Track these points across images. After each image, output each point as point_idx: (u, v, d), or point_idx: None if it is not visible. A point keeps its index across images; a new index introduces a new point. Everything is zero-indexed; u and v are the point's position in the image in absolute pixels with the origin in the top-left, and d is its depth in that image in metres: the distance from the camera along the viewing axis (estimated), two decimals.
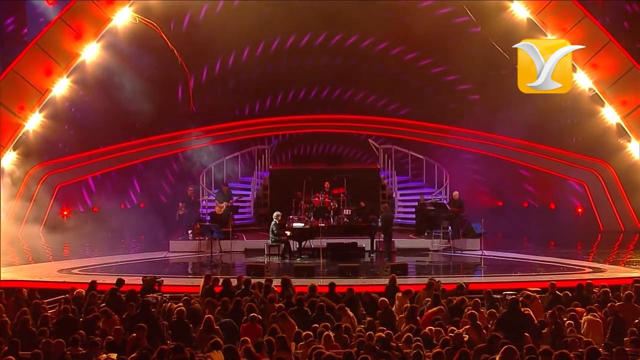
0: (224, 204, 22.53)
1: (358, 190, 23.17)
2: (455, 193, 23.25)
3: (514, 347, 9.80)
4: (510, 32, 23.45)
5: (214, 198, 23.34)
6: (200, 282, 15.45)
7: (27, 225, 23.54)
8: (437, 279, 15.21)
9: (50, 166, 24.63)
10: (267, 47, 26.64)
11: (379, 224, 21.27)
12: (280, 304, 13.23)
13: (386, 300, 13.74)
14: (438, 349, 10.40)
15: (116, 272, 18.93)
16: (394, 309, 13.75)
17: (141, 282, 15.60)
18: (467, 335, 11.53)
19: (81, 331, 11.50)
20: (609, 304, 13.02)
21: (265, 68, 26.68)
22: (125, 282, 15.10)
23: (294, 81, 26.92)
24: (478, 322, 12.03)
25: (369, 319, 12.93)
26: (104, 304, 13.56)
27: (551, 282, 14.85)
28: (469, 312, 12.32)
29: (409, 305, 13.10)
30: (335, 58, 26.78)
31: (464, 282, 15.11)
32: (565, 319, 12.48)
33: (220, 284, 14.97)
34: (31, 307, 13.15)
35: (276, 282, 15.28)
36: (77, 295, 14.00)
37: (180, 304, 13.33)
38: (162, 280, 15.65)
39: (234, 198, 22.82)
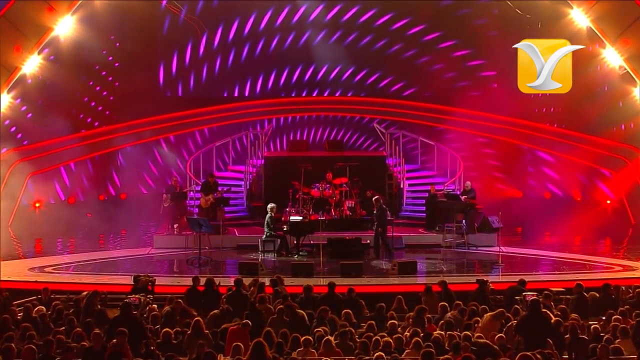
0: (210, 197, 22.51)
1: (362, 180, 23.15)
2: (467, 183, 23.22)
3: (529, 354, 9.82)
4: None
5: (199, 189, 23.31)
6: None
7: None
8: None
9: (21, 153, 24.60)
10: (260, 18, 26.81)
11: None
12: (271, 306, 13.26)
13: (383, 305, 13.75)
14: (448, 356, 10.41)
15: (93, 271, 18.96)
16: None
17: (132, 282, 15.57)
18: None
19: (60, 336, 11.50)
20: None
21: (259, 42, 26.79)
22: (104, 282, 15.07)
23: (292, 58, 27.03)
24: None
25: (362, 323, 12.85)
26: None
27: (577, 282, 14.83)
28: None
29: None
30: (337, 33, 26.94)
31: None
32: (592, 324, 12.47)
33: (202, 283, 14.95)
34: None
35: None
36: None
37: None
38: (155, 280, 15.63)
39: (220, 189, 22.76)
